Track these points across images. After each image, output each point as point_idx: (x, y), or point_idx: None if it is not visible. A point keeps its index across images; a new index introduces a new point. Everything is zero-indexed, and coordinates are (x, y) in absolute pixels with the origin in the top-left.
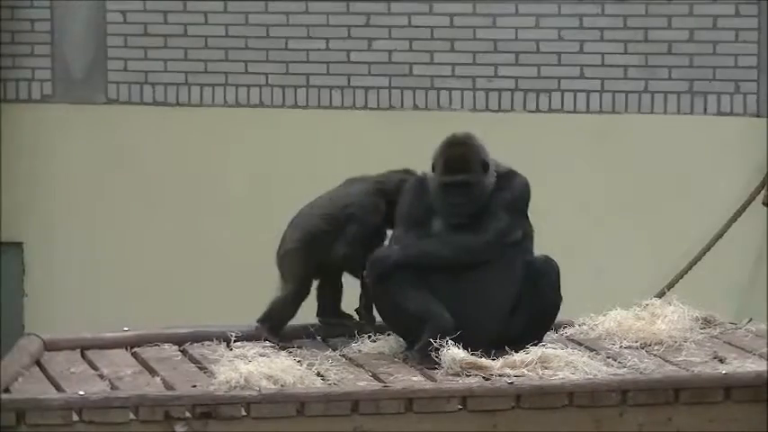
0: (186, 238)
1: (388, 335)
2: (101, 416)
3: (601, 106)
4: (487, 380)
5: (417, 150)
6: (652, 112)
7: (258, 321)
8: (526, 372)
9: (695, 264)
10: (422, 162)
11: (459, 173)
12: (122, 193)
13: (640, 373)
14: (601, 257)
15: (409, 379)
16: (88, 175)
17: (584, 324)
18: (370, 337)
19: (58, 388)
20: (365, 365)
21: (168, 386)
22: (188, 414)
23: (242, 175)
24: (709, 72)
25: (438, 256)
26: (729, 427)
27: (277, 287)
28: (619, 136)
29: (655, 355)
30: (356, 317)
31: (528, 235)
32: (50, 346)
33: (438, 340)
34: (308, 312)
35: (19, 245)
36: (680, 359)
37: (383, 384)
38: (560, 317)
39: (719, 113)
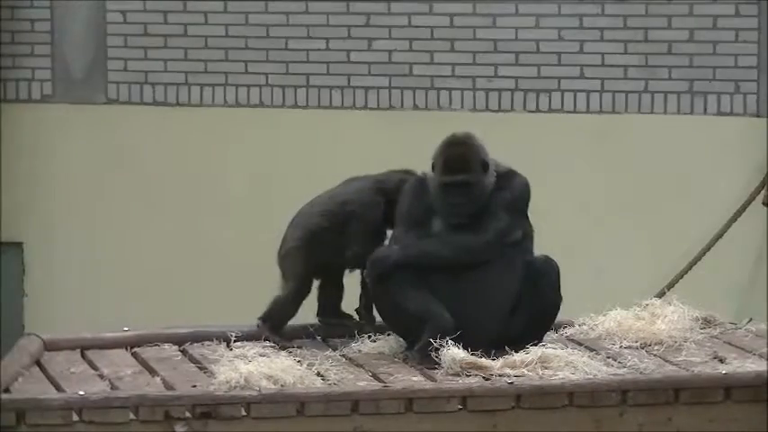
0: (186, 238)
1: (388, 335)
2: (101, 416)
3: (601, 106)
4: (487, 380)
5: (417, 150)
6: (652, 112)
7: (259, 319)
8: (526, 372)
9: (695, 264)
10: (422, 162)
11: (459, 173)
12: (122, 193)
13: (640, 373)
14: (601, 257)
15: (409, 379)
16: (88, 175)
17: (584, 324)
18: (370, 337)
19: (58, 388)
20: (365, 365)
21: (168, 386)
22: (188, 414)
23: (242, 175)
24: (709, 72)
25: (438, 256)
26: (729, 427)
27: (279, 286)
28: (619, 136)
29: (655, 355)
30: (356, 317)
31: (528, 235)
32: (50, 346)
33: (438, 340)
34: (308, 312)
35: (19, 245)
36: (680, 359)
37: (383, 384)
38: (560, 317)
39: (719, 113)
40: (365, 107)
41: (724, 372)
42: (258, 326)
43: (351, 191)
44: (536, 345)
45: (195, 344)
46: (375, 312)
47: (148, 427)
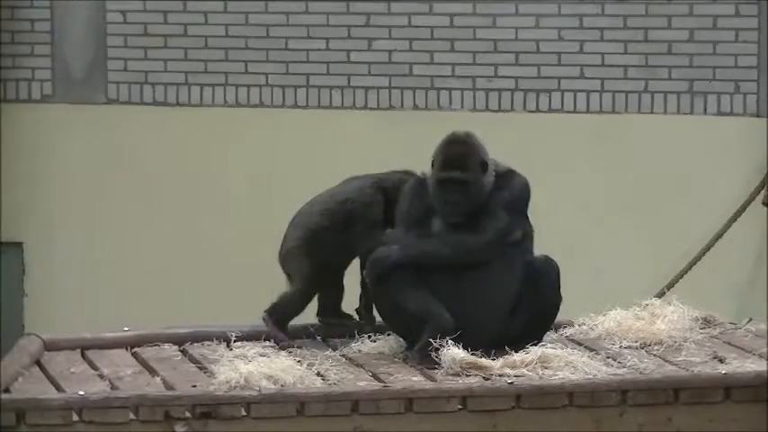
0: (186, 238)
1: (388, 335)
2: (101, 416)
3: (601, 106)
4: (487, 380)
5: (417, 150)
6: (652, 112)
7: (265, 312)
8: (526, 372)
9: (695, 264)
10: (422, 162)
11: (456, 170)
12: (122, 193)
13: (640, 373)
14: (601, 257)
15: (409, 379)
16: (88, 175)
17: (584, 324)
18: (370, 337)
19: (58, 388)
20: (365, 365)
21: (168, 386)
22: (188, 414)
23: (242, 175)
24: (709, 72)
25: (438, 256)
26: (729, 427)
27: (286, 285)
28: (619, 136)
29: (654, 355)
30: (356, 317)
31: (528, 235)
32: (50, 346)
33: (438, 340)
34: (308, 312)
35: (19, 245)
36: (680, 359)
37: (383, 384)
38: (560, 317)
39: (719, 113)
40: (365, 107)
41: (724, 372)
42: (264, 318)
43: (351, 189)
44: (536, 345)
45: (195, 344)
46: (375, 312)
47: (148, 427)
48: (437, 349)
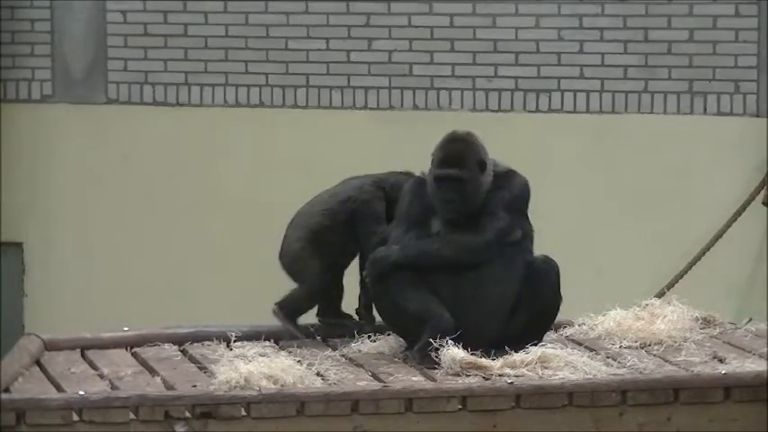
0: (186, 238)
1: (388, 335)
2: (101, 416)
3: (601, 106)
4: (487, 380)
5: (417, 150)
6: (652, 112)
7: (276, 305)
8: (526, 372)
9: (695, 264)
10: (422, 162)
11: (453, 167)
12: (122, 193)
13: (640, 373)
14: (601, 257)
15: (409, 379)
16: (88, 175)
17: (584, 324)
18: (370, 337)
19: (58, 388)
20: (365, 365)
21: (168, 386)
22: (188, 414)
23: (242, 175)
24: (709, 72)
25: (438, 256)
26: (729, 427)
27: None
28: (619, 136)
29: (654, 355)
30: (356, 317)
31: (528, 235)
32: (50, 346)
33: (438, 340)
34: (308, 312)
35: (19, 245)
36: (679, 359)
37: (383, 384)
38: (560, 317)
39: (719, 113)
40: (365, 107)
41: (724, 372)
42: (274, 311)
43: (351, 189)
44: (536, 345)
45: (195, 344)
46: (375, 312)
47: (148, 426)
48: (437, 349)
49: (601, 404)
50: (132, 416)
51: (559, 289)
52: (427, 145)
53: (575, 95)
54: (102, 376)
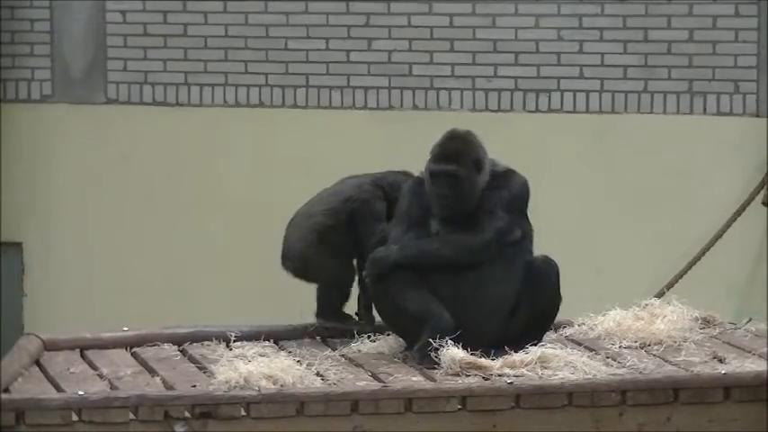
0: (186, 238)
1: (388, 335)
2: (100, 416)
3: (600, 106)
4: (487, 380)
5: (417, 150)
6: (652, 112)
7: (317, 317)
8: (526, 372)
9: (695, 264)
10: (421, 162)
11: (448, 163)
12: (122, 193)
13: (640, 373)
14: (600, 257)
15: (409, 379)
16: (88, 175)
17: (584, 324)
18: (369, 337)
19: (58, 388)
20: (365, 365)
21: (168, 386)
22: (187, 414)
23: (241, 175)
24: (709, 72)
25: (437, 256)
26: (729, 427)
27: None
28: (619, 136)
29: (654, 355)
30: (356, 317)
31: (527, 234)
32: (50, 346)
33: (437, 340)
34: (308, 312)
35: (19, 245)
36: (679, 359)
37: (383, 384)
38: (560, 317)
39: (719, 113)
40: (365, 107)
41: (723, 372)
42: (319, 325)
43: (350, 188)
44: (535, 345)
45: (195, 344)
46: (375, 312)
47: (148, 426)
48: (437, 349)
49: (600, 404)
50: (132, 416)
51: (559, 289)
52: (427, 145)
53: (574, 95)
54: (101, 376)
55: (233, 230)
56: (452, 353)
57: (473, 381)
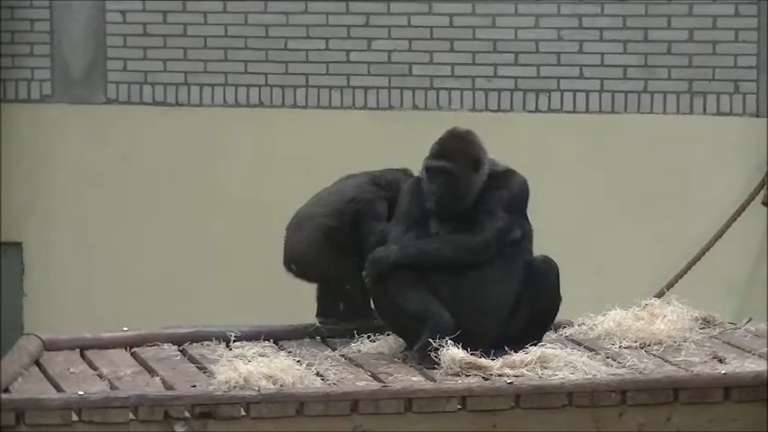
0: (186, 238)
1: (388, 335)
2: (100, 416)
3: (600, 106)
4: (487, 380)
5: (417, 150)
6: (651, 112)
7: (317, 316)
8: (525, 372)
9: (695, 264)
10: (421, 162)
11: (444, 160)
12: (122, 193)
13: (640, 373)
14: (600, 257)
15: (409, 379)
16: (88, 175)
17: (584, 324)
18: (369, 337)
19: (58, 388)
20: (364, 365)
21: (168, 386)
22: (187, 414)
23: (241, 175)
24: (709, 72)
25: (437, 256)
26: (729, 427)
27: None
28: (618, 136)
29: (654, 355)
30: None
31: (527, 234)
32: (50, 346)
33: (437, 340)
34: (308, 312)
35: (19, 245)
36: (679, 359)
37: (382, 384)
38: (560, 317)
39: (719, 113)
40: (365, 107)
41: (723, 372)
42: (318, 325)
43: (353, 188)
44: (535, 345)
45: (195, 344)
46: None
47: (148, 426)
48: (436, 349)
49: (600, 404)
50: (131, 416)
51: (559, 289)
52: (427, 145)
53: (574, 95)
54: (101, 376)
55: (233, 230)
56: (452, 353)
57: (473, 381)
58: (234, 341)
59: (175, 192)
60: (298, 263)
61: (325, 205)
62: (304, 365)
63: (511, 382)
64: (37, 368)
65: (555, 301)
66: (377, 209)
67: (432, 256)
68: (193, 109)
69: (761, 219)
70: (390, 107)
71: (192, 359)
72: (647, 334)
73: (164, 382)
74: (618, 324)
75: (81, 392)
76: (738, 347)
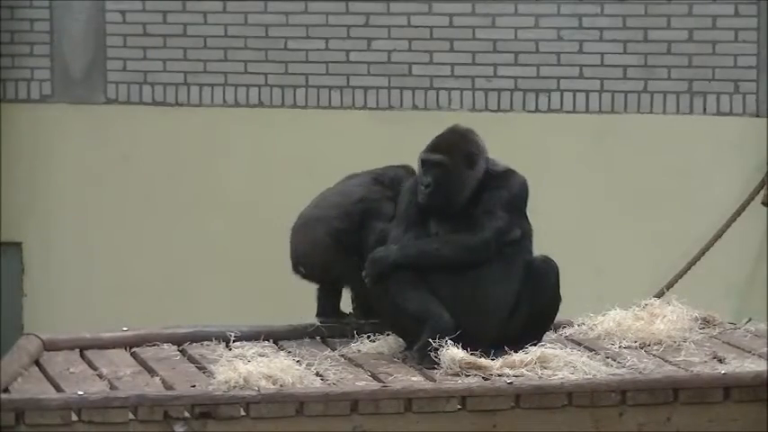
0: (186, 238)
1: (388, 335)
2: (100, 416)
3: (600, 106)
4: (487, 380)
5: (417, 150)
6: (651, 112)
7: (318, 316)
8: (525, 372)
9: (694, 264)
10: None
11: (436, 153)
12: (122, 193)
13: (640, 373)
14: (600, 257)
15: (408, 379)
16: (87, 174)
17: (584, 324)
18: (369, 337)
19: (58, 388)
20: (364, 365)
21: (167, 386)
22: (187, 414)
23: (241, 175)
24: (709, 72)
25: (437, 255)
26: (729, 427)
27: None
28: (618, 136)
29: (654, 355)
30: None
31: (527, 234)
32: (49, 346)
33: (437, 340)
34: (308, 312)
35: (18, 245)
36: (679, 359)
37: (382, 384)
38: (560, 317)
39: (719, 113)
40: (365, 107)
41: (723, 372)
42: (318, 325)
43: (359, 188)
44: (535, 345)
45: (194, 344)
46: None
47: (147, 426)
48: (436, 349)
49: (600, 404)
50: (131, 416)
51: (559, 289)
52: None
53: (574, 95)
54: (101, 376)
55: (233, 230)
56: (452, 353)
57: (473, 381)
58: (234, 341)
59: (175, 192)
60: (305, 265)
61: (331, 207)
62: (304, 365)
63: (511, 382)
64: (37, 368)
65: (555, 301)
66: (383, 209)
67: (431, 255)
68: (193, 109)
69: (761, 219)
70: (390, 107)
71: (191, 359)
72: (646, 334)
73: (163, 382)
74: (618, 324)
75: (81, 392)
76: (738, 347)
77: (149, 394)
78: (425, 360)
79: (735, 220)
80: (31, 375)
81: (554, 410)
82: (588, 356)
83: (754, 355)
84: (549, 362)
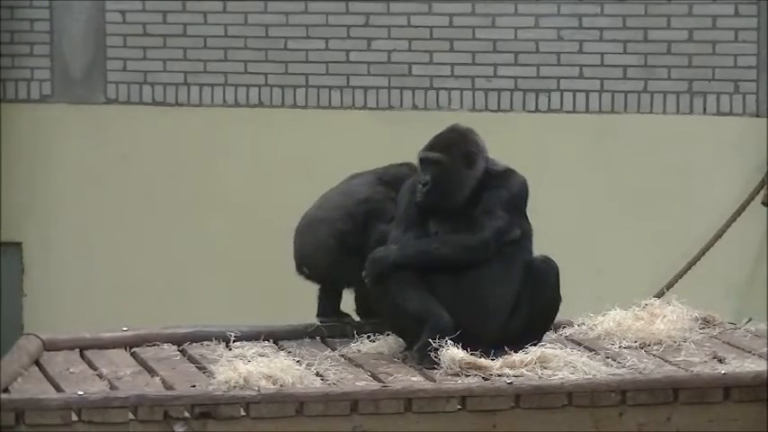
0: (186, 238)
1: (388, 335)
2: (100, 416)
3: (600, 106)
4: (487, 380)
5: (417, 150)
6: (651, 112)
7: (318, 316)
8: (525, 372)
9: (694, 264)
10: None
11: (436, 151)
12: (122, 193)
13: (640, 373)
14: (600, 257)
15: (408, 379)
16: (87, 175)
17: (584, 324)
18: (369, 337)
19: (58, 388)
20: (364, 365)
21: (167, 386)
22: (187, 414)
23: (241, 175)
24: (709, 72)
25: (437, 256)
26: (729, 427)
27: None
28: (618, 136)
29: (654, 355)
30: (355, 317)
31: (527, 234)
32: (49, 346)
33: (437, 340)
34: (308, 312)
35: (18, 245)
36: (679, 359)
37: (382, 384)
38: (560, 317)
39: (719, 113)
40: (364, 107)
41: (723, 372)
42: (318, 325)
43: (363, 188)
44: (535, 345)
45: (194, 344)
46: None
47: (147, 426)
48: (436, 349)
49: (600, 404)
50: (131, 416)
51: (559, 289)
52: None
53: (574, 95)
54: (101, 376)
55: (233, 230)
56: (452, 353)
57: (473, 381)
58: (234, 341)
59: (175, 192)
60: (310, 266)
61: (335, 208)
62: (304, 365)
63: (511, 383)
64: (37, 368)
65: (555, 301)
66: (387, 210)
67: (431, 255)
68: (193, 109)
69: (761, 219)
70: (390, 107)
71: (191, 359)
72: (646, 334)
73: (163, 382)
74: (618, 324)
75: (81, 392)
76: (738, 347)
77: (149, 394)
78: (425, 360)
79: (735, 220)
80: (31, 375)
81: (554, 410)
82: (588, 356)
83: (754, 355)
84: (549, 362)
